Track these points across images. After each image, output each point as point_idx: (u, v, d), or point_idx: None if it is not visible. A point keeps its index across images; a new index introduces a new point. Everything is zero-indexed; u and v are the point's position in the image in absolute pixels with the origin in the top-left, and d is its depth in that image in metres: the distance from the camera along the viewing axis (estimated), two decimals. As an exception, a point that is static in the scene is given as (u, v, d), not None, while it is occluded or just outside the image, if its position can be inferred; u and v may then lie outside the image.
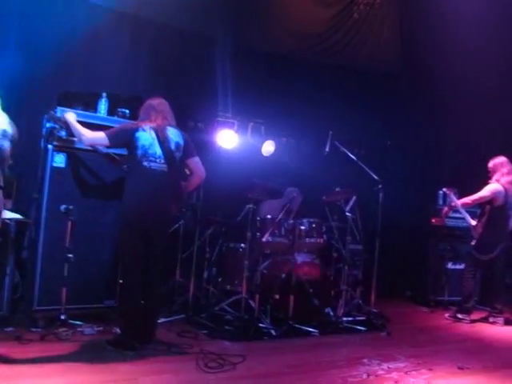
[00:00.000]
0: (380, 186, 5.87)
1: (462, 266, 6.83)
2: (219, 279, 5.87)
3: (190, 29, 6.72)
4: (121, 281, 4.50)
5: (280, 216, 5.57)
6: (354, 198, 6.04)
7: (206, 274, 5.88)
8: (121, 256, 4.35)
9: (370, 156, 7.43)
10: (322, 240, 5.80)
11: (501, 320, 6.21)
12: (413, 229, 7.94)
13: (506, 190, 6.17)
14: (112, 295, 4.81)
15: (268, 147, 6.74)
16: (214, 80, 6.88)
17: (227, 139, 6.38)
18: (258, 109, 7.05)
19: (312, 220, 5.79)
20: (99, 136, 4.15)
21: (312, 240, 5.72)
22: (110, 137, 4.14)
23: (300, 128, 7.36)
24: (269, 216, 5.71)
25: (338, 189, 5.89)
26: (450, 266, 7.22)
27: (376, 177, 5.89)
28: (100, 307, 4.81)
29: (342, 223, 6.08)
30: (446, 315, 6.45)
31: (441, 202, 7.49)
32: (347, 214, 5.92)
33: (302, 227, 5.66)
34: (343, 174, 6.52)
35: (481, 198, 6.27)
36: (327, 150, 6.08)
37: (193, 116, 6.61)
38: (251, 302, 5.26)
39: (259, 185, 5.53)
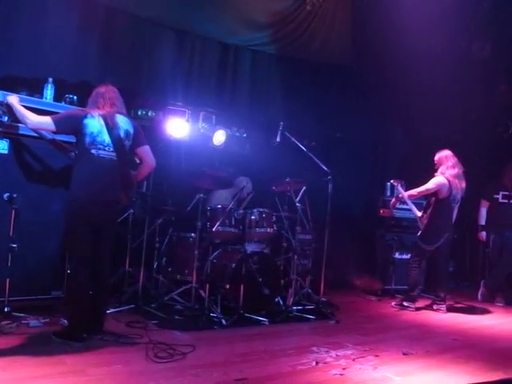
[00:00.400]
0: (329, 177, 5.94)
1: (408, 256, 7.02)
2: (169, 269, 5.81)
3: (142, 15, 6.58)
4: (68, 271, 4.41)
5: (230, 206, 5.57)
6: (304, 188, 6.11)
7: (155, 264, 5.83)
8: (67, 245, 4.27)
9: (320, 147, 7.52)
10: (272, 230, 5.83)
11: (443, 307, 6.43)
12: (361, 219, 8.11)
13: (450, 182, 6.35)
14: (59, 286, 4.71)
15: (219, 137, 6.72)
16: (165, 68, 6.79)
17: (178, 128, 6.31)
18: (210, 98, 7.01)
19: (262, 210, 5.82)
20: (45, 120, 4.00)
21: (262, 230, 5.75)
22: (56, 122, 4.00)
23: (251, 118, 7.37)
24: (219, 206, 5.71)
25: (287, 179, 5.93)
26: (396, 255, 7.42)
27: (325, 168, 5.95)
28: (47, 298, 4.70)
29: (292, 213, 6.14)
30: (393, 303, 6.63)
31: (388, 193, 7.68)
32: (297, 204, 5.98)
33: (252, 217, 5.69)
34: (293, 165, 6.57)
35: (426, 190, 6.45)
36: (278, 140, 6.11)
37: (143, 104, 6.50)
38: (201, 291, 5.26)
39: (209, 174, 5.52)
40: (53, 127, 4.02)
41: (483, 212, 7.47)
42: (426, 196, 6.62)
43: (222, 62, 7.46)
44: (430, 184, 6.41)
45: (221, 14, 7.40)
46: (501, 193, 7.37)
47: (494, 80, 8.79)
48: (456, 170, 6.43)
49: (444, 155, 6.56)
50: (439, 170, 6.49)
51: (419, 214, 6.66)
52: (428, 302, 6.65)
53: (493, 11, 8.49)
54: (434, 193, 6.41)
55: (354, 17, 8.84)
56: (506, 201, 7.35)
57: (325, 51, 8.52)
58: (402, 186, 6.73)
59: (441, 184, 6.36)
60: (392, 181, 6.87)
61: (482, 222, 7.48)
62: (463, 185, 6.47)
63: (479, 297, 7.37)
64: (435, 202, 6.44)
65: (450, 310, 6.48)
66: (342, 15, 8.71)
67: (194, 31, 7.13)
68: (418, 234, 6.54)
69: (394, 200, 6.77)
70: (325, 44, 8.52)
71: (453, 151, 6.57)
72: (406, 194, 6.58)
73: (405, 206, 7.04)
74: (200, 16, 7.10)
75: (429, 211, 6.50)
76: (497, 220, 7.37)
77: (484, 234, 7.47)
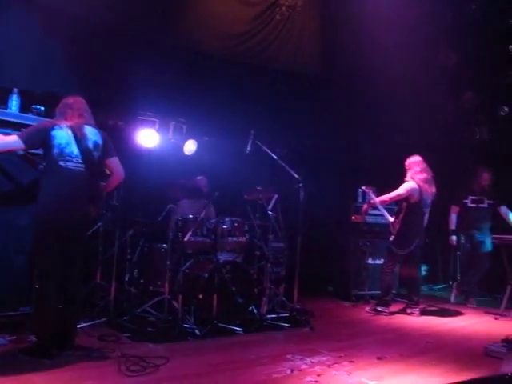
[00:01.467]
0: (301, 185, 5.96)
1: (381, 261, 7.09)
2: (141, 280, 5.75)
3: (109, 24, 6.53)
4: (36, 286, 4.31)
5: (202, 215, 5.54)
6: (276, 196, 6.12)
7: (127, 276, 5.74)
8: (35, 260, 4.14)
9: (291, 155, 7.54)
10: (244, 239, 5.83)
11: (417, 311, 6.49)
12: (334, 226, 8.15)
13: (420, 187, 6.43)
14: (27, 302, 4.58)
15: (190, 146, 6.70)
16: (135, 78, 6.75)
17: (148, 138, 6.28)
18: (180, 108, 6.99)
19: (234, 219, 5.81)
20: (12, 140, 3.88)
21: (234, 239, 5.75)
22: (24, 139, 3.89)
23: (222, 127, 7.36)
24: (190, 215, 5.67)
25: (259, 187, 5.93)
26: (369, 261, 7.50)
27: (296, 175, 5.97)
28: (14, 315, 4.57)
29: (264, 221, 6.13)
30: (367, 309, 6.67)
31: (360, 199, 7.75)
32: (269, 212, 5.98)
33: (224, 226, 5.67)
34: (265, 173, 6.58)
35: (398, 195, 6.52)
36: (249, 148, 6.11)
37: (113, 114, 6.44)
38: (174, 302, 5.20)
39: (180, 184, 5.49)
40: (21, 145, 3.91)
41: (453, 217, 7.60)
42: (397, 201, 6.69)
43: (192, 72, 7.44)
44: (401, 189, 6.48)
45: (191, 23, 7.40)
46: (469, 197, 7.51)
47: (460, 87, 8.97)
48: (424, 175, 6.51)
49: (413, 160, 6.64)
50: (408, 175, 6.56)
51: (391, 219, 6.72)
52: (401, 306, 6.70)
53: (458, 21, 8.68)
54: (406, 198, 6.48)
55: (324, 26, 8.95)
56: (475, 205, 7.47)
57: (295, 60, 8.61)
58: (373, 192, 6.79)
59: (411, 189, 6.43)
60: (363, 187, 6.91)
61: (452, 226, 7.59)
62: (433, 189, 6.56)
63: (452, 299, 7.49)
64: (406, 207, 6.51)
65: (423, 313, 6.55)
66: (311, 24, 8.82)
67: (164, 41, 7.10)
68: (391, 239, 6.60)
69: (365, 206, 6.83)
70: (295, 53, 8.61)
71: (422, 157, 6.66)
72: (377, 200, 6.63)
73: (377, 212, 7.12)
74: (170, 25, 7.09)
75: (400, 216, 6.57)
76: (466, 224, 7.50)
77: (454, 237, 7.57)
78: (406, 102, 8.39)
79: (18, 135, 3.92)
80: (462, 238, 7.57)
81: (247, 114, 7.47)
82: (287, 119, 8.19)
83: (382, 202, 6.66)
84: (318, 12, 8.92)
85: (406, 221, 6.53)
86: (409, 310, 6.53)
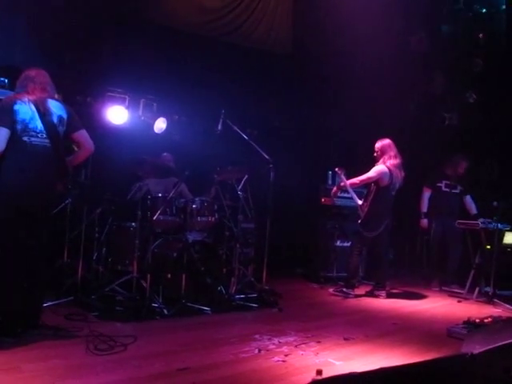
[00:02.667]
0: (271, 166, 5.96)
1: (349, 244, 7.15)
2: (109, 259, 5.68)
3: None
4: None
5: (171, 194, 5.50)
6: (246, 176, 6.10)
7: (95, 255, 5.68)
8: None
9: (262, 135, 7.53)
10: (213, 219, 5.81)
11: (383, 293, 6.59)
12: (303, 208, 8.20)
13: (391, 171, 6.49)
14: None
15: (160, 124, 6.63)
16: (105, 53, 6.61)
17: (117, 115, 6.17)
18: (151, 85, 6.88)
19: (204, 199, 5.78)
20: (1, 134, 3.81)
21: (204, 219, 5.71)
22: (4, 124, 3.81)
23: (193, 106, 7.29)
24: (160, 194, 5.61)
25: (229, 167, 5.90)
26: (338, 243, 7.57)
27: (267, 156, 5.96)
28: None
29: (234, 202, 6.12)
30: (330, 290, 6.72)
31: (330, 182, 7.79)
32: (239, 192, 5.97)
33: (194, 206, 5.63)
34: (235, 153, 6.55)
35: (368, 178, 6.56)
36: (219, 128, 6.06)
37: (81, 90, 6.31)
38: (143, 281, 5.16)
39: (149, 162, 5.42)
40: (7, 130, 3.84)
41: (426, 199, 7.56)
42: (367, 184, 6.75)
43: (164, 48, 7.32)
44: (372, 172, 6.52)
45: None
46: (443, 181, 7.51)
47: (431, 72, 9.05)
48: (397, 160, 6.56)
49: (387, 144, 6.64)
50: (381, 159, 6.59)
51: (360, 202, 6.78)
52: (368, 289, 6.79)
53: (432, 6, 8.74)
54: (375, 181, 6.53)
55: (296, 6, 8.90)
56: (448, 190, 7.49)
57: (267, 39, 8.56)
58: (344, 174, 6.81)
59: (382, 172, 6.49)
60: (336, 169, 6.88)
61: (425, 209, 7.57)
62: (402, 174, 6.62)
63: (434, 288, 7.42)
64: (376, 190, 6.56)
65: (389, 295, 6.66)
66: (284, 5, 8.76)
67: (135, 15, 6.95)
68: (359, 221, 6.66)
69: (335, 189, 6.85)
70: (267, 32, 8.55)
71: (392, 140, 6.70)
72: (347, 183, 6.67)
73: (346, 195, 7.17)
74: (142, 0, 6.95)
75: (369, 199, 6.63)
76: (439, 208, 7.48)
77: (426, 221, 7.56)
78: (378, 85, 8.42)
79: None
80: (434, 222, 7.52)
81: (218, 93, 7.40)
82: (259, 99, 8.15)
83: (352, 185, 6.69)
84: (291, -8, 8.87)
85: (374, 204, 6.59)
86: (376, 293, 6.63)
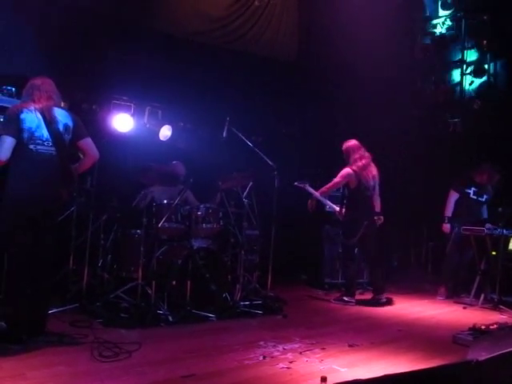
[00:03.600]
0: (275, 173, 5.97)
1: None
2: (114, 266, 5.71)
3: (83, 6, 6.40)
4: (7, 271, 4.24)
5: (176, 201, 5.51)
6: (251, 183, 6.11)
7: (100, 262, 5.71)
8: (4, 245, 4.03)
9: (267, 142, 7.55)
10: (218, 225, 5.82)
11: (383, 298, 6.49)
12: (307, 214, 8.19)
13: (357, 173, 6.41)
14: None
15: (165, 132, 6.65)
16: (111, 62, 6.65)
17: (123, 123, 6.20)
18: (156, 93, 6.91)
19: (209, 205, 5.80)
20: (4, 142, 3.85)
21: (209, 226, 5.73)
22: (10, 133, 3.85)
23: (198, 113, 7.32)
24: (165, 201, 5.63)
25: (234, 174, 5.92)
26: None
27: (271, 163, 5.97)
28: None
29: (239, 209, 6.13)
30: (331, 299, 6.62)
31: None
32: (244, 199, 5.97)
33: (199, 213, 5.64)
34: (240, 160, 6.56)
35: (334, 183, 6.53)
36: (224, 135, 6.08)
37: (87, 98, 6.35)
38: (147, 288, 5.18)
39: (155, 170, 5.44)
40: (13, 140, 3.87)
41: (452, 203, 7.26)
42: (337, 189, 6.75)
43: (169, 56, 7.36)
44: (337, 177, 6.50)
45: (168, 6, 7.31)
46: (472, 188, 7.23)
47: (436, 78, 9.06)
48: (363, 162, 6.46)
49: (351, 147, 6.55)
50: (349, 162, 6.51)
51: (337, 208, 6.76)
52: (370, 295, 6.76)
53: (433, 13, 8.78)
54: (346, 184, 6.52)
55: (301, 14, 8.94)
56: (476, 197, 7.23)
57: (272, 47, 8.60)
58: (310, 185, 6.67)
59: (346, 175, 6.44)
60: (296, 183, 6.68)
61: (449, 213, 7.26)
62: (374, 172, 6.54)
63: (439, 297, 7.19)
64: (348, 194, 6.55)
65: (390, 302, 6.57)
66: (289, 12, 8.80)
67: (140, 24, 7.00)
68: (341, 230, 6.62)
69: (310, 202, 6.68)
70: (272, 40, 8.60)
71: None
72: (317, 193, 6.60)
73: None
74: (147, 8, 6.99)
75: (345, 203, 6.61)
76: (464, 214, 7.18)
77: (449, 226, 7.25)
78: (382, 92, 8.43)
79: (1, 134, 3.86)
80: (456, 227, 7.18)
81: (223, 101, 7.43)
82: (264, 106, 8.17)
83: (322, 193, 6.62)
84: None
85: (349, 207, 6.56)
86: (346, 298, 6.45)
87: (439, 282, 7.46)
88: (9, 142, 3.87)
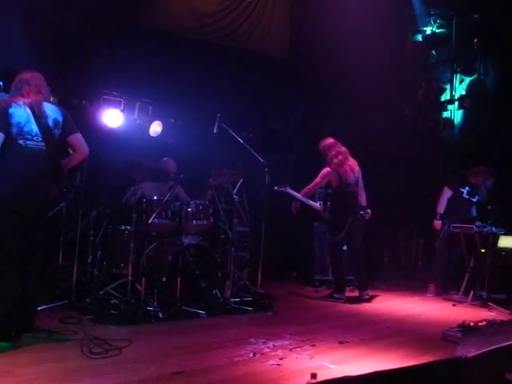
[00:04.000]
0: (266, 169, 5.96)
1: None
2: (104, 262, 5.66)
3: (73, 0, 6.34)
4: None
5: (166, 197, 5.49)
6: (241, 180, 6.10)
7: (90, 258, 5.66)
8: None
9: (257, 139, 7.54)
10: (209, 222, 5.80)
11: (367, 295, 6.52)
12: (298, 211, 8.19)
13: (337, 171, 6.43)
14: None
15: (155, 127, 6.62)
16: (101, 56, 6.60)
17: (113, 118, 6.17)
18: (147, 88, 6.88)
19: (199, 202, 5.78)
20: None
21: (199, 222, 5.70)
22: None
23: (188, 109, 7.30)
24: (155, 197, 5.61)
25: (225, 171, 5.90)
26: (333, 247, 7.53)
27: (262, 160, 5.97)
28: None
29: (229, 205, 6.12)
30: (322, 296, 6.61)
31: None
32: (234, 196, 5.97)
33: (189, 209, 5.62)
34: (231, 157, 6.55)
35: (315, 184, 6.56)
36: (215, 131, 6.06)
37: (77, 93, 6.31)
38: (137, 285, 5.16)
39: (145, 165, 5.42)
40: (1, 135, 3.81)
41: (445, 200, 7.27)
42: (320, 188, 6.83)
43: (159, 51, 7.31)
44: (318, 178, 6.53)
45: (161, 1, 7.28)
46: (466, 188, 7.26)
47: (427, 76, 9.10)
48: (339, 158, 6.46)
49: (326, 146, 6.57)
50: (327, 160, 6.52)
51: (320, 207, 6.77)
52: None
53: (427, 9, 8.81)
54: (329, 183, 6.55)
55: (292, 10, 8.92)
56: (468, 197, 7.26)
57: (264, 42, 8.58)
58: (290, 187, 6.61)
59: (327, 175, 6.48)
60: (276, 188, 6.58)
61: (442, 210, 7.28)
62: (353, 166, 6.55)
63: (429, 294, 7.23)
64: (332, 192, 6.60)
65: (371, 300, 6.58)
66: (280, 8, 8.78)
67: (131, 18, 6.95)
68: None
69: (293, 204, 6.69)
70: (264, 35, 8.57)
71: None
72: (299, 195, 6.59)
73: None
74: (138, 3, 6.95)
75: (328, 202, 6.63)
76: (455, 212, 7.23)
77: (440, 223, 7.27)
78: (374, 90, 8.44)
79: None
80: (446, 224, 7.22)
81: (214, 97, 7.41)
82: (255, 103, 8.16)
83: (305, 194, 6.62)
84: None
85: (333, 205, 6.60)
86: (336, 295, 6.50)
87: (429, 279, 7.51)
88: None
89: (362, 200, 6.67)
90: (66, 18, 6.31)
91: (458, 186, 7.30)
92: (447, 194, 7.30)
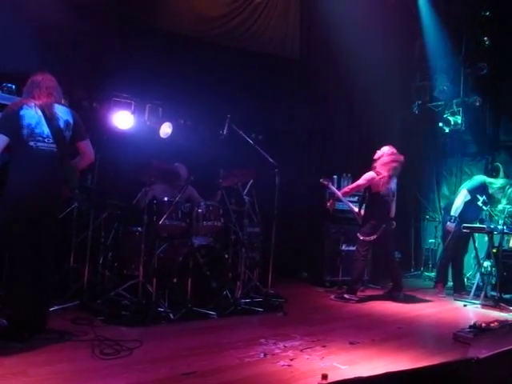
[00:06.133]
0: (276, 170, 5.97)
1: (354, 248, 7.04)
2: (115, 264, 5.71)
3: (84, 3, 6.37)
4: (8, 269, 4.24)
5: (177, 198, 5.51)
6: (251, 181, 6.11)
7: (101, 259, 5.71)
8: (6, 244, 4.01)
9: (267, 140, 7.54)
10: (219, 223, 5.81)
11: (401, 294, 6.68)
12: (308, 211, 8.19)
13: (381, 178, 6.47)
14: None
15: (165, 129, 6.64)
16: (111, 59, 6.63)
17: (123, 120, 6.20)
18: (157, 90, 6.90)
19: (209, 203, 5.79)
20: None
21: (209, 223, 5.72)
22: (3, 131, 3.82)
23: (198, 110, 7.31)
24: (166, 198, 5.63)
25: (235, 172, 5.91)
26: (343, 247, 7.54)
27: (272, 160, 5.97)
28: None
29: (240, 206, 6.13)
30: (332, 297, 6.65)
31: (336, 185, 7.76)
32: (244, 197, 5.97)
33: (200, 210, 5.64)
34: (241, 158, 6.56)
35: (357, 185, 6.61)
36: (225, 132, 6.07)
37: (88, 96, 6.35)
38: (148, 286, 5.18)
39: (155, 167, 5.44)
40: (5, 138, 3.84)
41: (462, 204, 7.23)
42: (359, 191, 6.82)
43: (169, 54, 7.33)
44: (361, 180, 6.56)
45: (169, 4, 7.29)
46: (484, 197, 7.13)
47: (434, 75, 9.06)
48: (392, 165, 6.51)
49: (388, 154, 6.60)
50: (377, 165, 6.57)
51: (356, 209, 6.79)
52: (374, 293, 6.79)
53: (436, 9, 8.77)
54: (368, 187, 6.56)
55: (303, 11, 8.90)
56: (481, 205, 7.11)
57: (274, 43, 8.55)
58: (332, 184, 6.75)
59: (370, 179, 6.51)
60: (321, 180, 6.75)
61: (457, 213, 7.22)
62: (394, 179, 6.62)
63: (440, 294, 7.27)
64: (369, 197, 6.58)
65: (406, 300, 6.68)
66: (291, 9, 8.76)
67: (140, 21, 6.98)
68: (359, 227, 6.67)
69: (331, 201, 6.81)
70: (274, 36, 8.55)
71: (394, 142, 6.69)
72: (339, 193, 6.65)
73: (350, 199, 7.13)
74: (147, 5, 6.97)
75: (365, 205, 6.64)
76: (468, 217, 7.18)
77: (454, 225, 7.19)
78: (382, 89, 8.42)
79: None
80: (457, 226, 7.15)
81: (224, 98, 7.41)
82: (264, 104, 8.14)
83: (344, 194, 6.71)
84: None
85: (369, 209, 6.61)
86: (394, 294, 6.70)
87: (437, 279, 7.52)
88: (2, 140, 3.83)
89: (392, 212, 6.75)
90: (77, 22, 6.35)
91: (477, 193, 7.21)
92: (465, 198, 7.25)
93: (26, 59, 5.75)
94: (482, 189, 7.26)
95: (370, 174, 6.54)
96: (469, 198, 7.22)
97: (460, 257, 7.38)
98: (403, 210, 7.08)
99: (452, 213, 7.24)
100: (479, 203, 7.14)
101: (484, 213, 7.24)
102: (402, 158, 6.61)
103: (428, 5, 8.85)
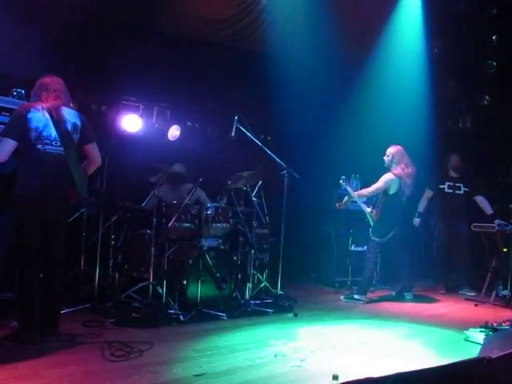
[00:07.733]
0: (285, 172, 5.96)
1: (364, 248, 7.10)
2: (125, 266, 5.73)
3: (92, 7, 6.41)
4: (19, 272, 4.26)
5: (186, 201, 5.53)
6: (260, 182, 6.11)
7: (111, 262, 5.73)
8: (17, 246, 4.03)
9: (276, 141, 7.54)
10: (228, 225, 5.81)
11: (410, 294, 6.71)
12: (317, 212, 8.18)
13: (400, 180, 6.48)
14: (9, 287, 4.55)
15: (173, 132, 6.67)
16: (119, 63, 6.66)
17: (132, 123, 6.23)
18: (164, 93, 6.93)
19: (218, 205, 5.81)
20: (6, 144, 3.80)
21: (218, 225, 5.72)
22: (11, 135, 3.82)
23: (206, 113, 7.32)
24: (174, 201, 5.65)
25: (243, 174, 5.92)
26: (352, 248, 7.54)
27: (281, 162, 5.97)
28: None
29: (248, 208, 6.13)
30: (341, 297, 6.66)
31: (343, 186, 7.75)
32: (253, 198, 5.98)
33: (208, 212, 5.65)
34: (249, 159, 6.57)
35: (376, 189, 6.59)
36: (233, 134, 6.08)
37: (96, 99, 6.38)
38: (158, 288, 5.19)
39: (164, 170, 5.46)
40: (14, 142, 3.84)
41: (425, 200, 7.60)
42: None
43: (176, 57, 7.35)
44: (380, 183, 6.54)
45: (177, 7, 7.31)
46: (446, 183, 7.46)
47: (444, 76, 9.02)
48: (410, 169, 6.53)
49: (400, 152, 6.60)
50: (392, 168, 6.56)
51: (369, 210, 6.77)
52: (384, 293, 6.77)
53: (443, 9, 8.72)
54: (384, 189, 6.53)
55: (311, 12, 8.87)
56: (452, 191, 7.43)
57: (282, 45, 8.52)
58: (349, 184, 6.75)
59: (390, 181, 6.49)
60: (341, 181, 6.78)
61: (421, 209, 7.60)
62: (410, 182, 6.59)
63: (440, 291, 7.39)
64: (385, 198, 6.56)
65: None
66: (299, 9, 8.72)
67: (148, 25, 7.01)
68: (370, 228, 6.66)
69: (345, 200, 6.77)
70: (281, 38, 8.52)
71: (404, 144, 6.67)
72: (355, 194, 6.64)
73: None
74: (154, 9, 6.99)
75: (378, 207, 6.62)
76: (442, 210, 7.50)
77: (419, 220, 7.60)
78: (391, 91, 8.40)
79: (2, 135, 3.84)
80: (438, 225, 7.56)
81: (231, 100, 7.43)
82: (273, 105, 8.14)
83: (361, 196, 6.70)
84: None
85: (383, 211, 6.59)
86: (404, 294, 6.72)
87: (438, 278, 7.65)
88: (10, 144, 3.84)
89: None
90: (85, 26, 6.39)
91: (437, 183, 7.58)
92: (427, 194, 7.61)
93: (34, 64, 5.80)
94: (438, 177, 7.65)
95: (389, 177, 6.50)
96: (430, 193, 7.64)
97: (461, 253, 7.42)
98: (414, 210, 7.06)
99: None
100: (447, 190, 7.45)
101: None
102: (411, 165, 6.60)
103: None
